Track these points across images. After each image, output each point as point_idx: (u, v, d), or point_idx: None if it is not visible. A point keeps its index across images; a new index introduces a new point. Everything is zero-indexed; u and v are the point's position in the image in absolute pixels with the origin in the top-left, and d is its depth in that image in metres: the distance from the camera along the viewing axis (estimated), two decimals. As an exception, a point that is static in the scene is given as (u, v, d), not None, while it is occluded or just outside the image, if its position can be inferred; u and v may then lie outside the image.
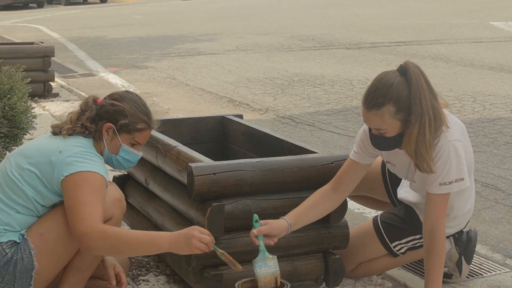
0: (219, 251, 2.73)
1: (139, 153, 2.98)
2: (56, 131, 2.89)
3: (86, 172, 2.72)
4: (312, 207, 3.06)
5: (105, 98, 2.99)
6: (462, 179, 2.94)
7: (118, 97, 2.97)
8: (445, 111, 2.99)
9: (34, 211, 2.82)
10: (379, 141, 2.97)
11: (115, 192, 2.95)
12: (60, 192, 2.77)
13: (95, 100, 2.97)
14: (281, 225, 2.95)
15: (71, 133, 2.86)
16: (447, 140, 2.92)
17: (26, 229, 2.81)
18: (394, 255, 3.36)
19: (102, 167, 2.80)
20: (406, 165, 3.14)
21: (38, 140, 2.93)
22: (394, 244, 3.33)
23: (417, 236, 3.30)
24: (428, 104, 2.87)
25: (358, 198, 3.71)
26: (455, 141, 2.93)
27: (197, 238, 2.64)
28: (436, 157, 2.91)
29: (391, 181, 3.50)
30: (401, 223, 3.32)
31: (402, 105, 2.86)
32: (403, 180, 3.41)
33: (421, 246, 3.31)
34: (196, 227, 2.71)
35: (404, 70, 2.90)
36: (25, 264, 2.74)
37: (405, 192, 3.37)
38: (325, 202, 3.09)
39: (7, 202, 2.80)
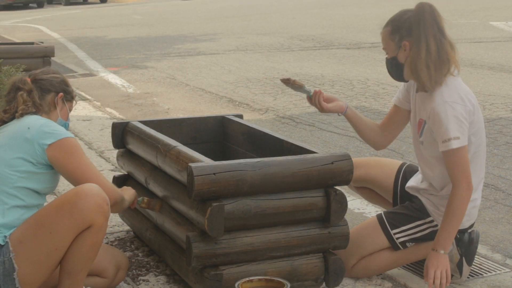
0: (139, 199, 3.33)
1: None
2: (7, 118, 3.01)
3: (66, 138, 2.92)
4: (366, 122, 3.53)
5: (35, 75, 3.16)
6: (458, 138, 3.10)
7: (49, 70, 3.22)
8: (458, 78, 3.24)
9: (22, 200, 2.87)
10: (387, 64, 3.32)
11: (95, 196, 2.79)
12: (46, 162, 2.89)
13: (26, 78, 3.12)
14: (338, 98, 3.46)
15: (25, 113, 3.00)
16: (443, 100, 3.13)
17: (11, 230, 2.81)
18: (395, 246, 3.37)
19: (68, 131, 2.99)
20: (416, 123, 3.35)
21: None
22: (395, 231, 3.35)
23: (419, 222, 3.34)
24: (430, 33, 3.12)
25: (363, 189, 3.77)
26: (453, 102, 3.12)
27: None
28: (434, 114, 3.15)
29: (402, 180, 3.58)
30: (404, 209, 3.39)
31: (397, 27, 3.19)
32: (413, 176, 3.53)
33: (422, 236, 3.34)
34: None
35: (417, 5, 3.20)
36: (7, 267, 2.74)
37: (414, 181, 3.48)
38: (373, 131, 3.52)
39: None
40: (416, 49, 3.15)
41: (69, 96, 3.19)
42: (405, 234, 3.36)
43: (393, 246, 3.38)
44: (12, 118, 3.01)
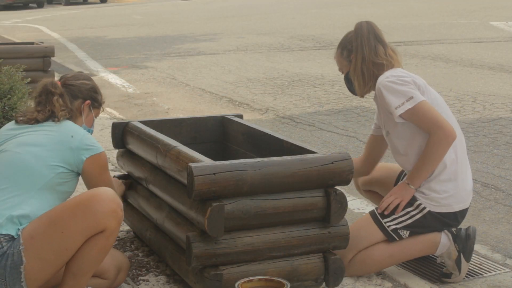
0: None
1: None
2: (40, 118, 3.06)
3: (101, 153, 3.06)
4: None
5: (66, 79, 3.23)
6: (411, 98, 3.34)
7: (80, 76, 3.28)
8: (398, 69, 3.50)
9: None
10: (344, 81, 3.69)
11: (111, 202, 2.83)
12: (78, 170, 3.03)
13: (57, 83, 3.18)
14: None
15: (65, 117, 3.09)
16: (377, 84, 3.45)
17: (26, 224, 2.83)
18: (388, 235, 3.41)
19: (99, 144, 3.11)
20: (382, 122, 3.57)
21: (32, 130, 3.04)
22: (386, 220, 3.41)
23: (409, 209, 3.40)
24: (365, 43, 3.50)
25: (369, 192, 3.90)
26: (383, 81, 3.41)
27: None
28: (378, 93, 3.44)
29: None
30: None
31: (344, 45, 3.60)
32: None
33: (413, 223, 3.39)
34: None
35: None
36: (15, 259, 2.76)
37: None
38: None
39: (23, 189, 2.89)
40: (355, 59, 3.53)
41: (96, 104, 3.27)
42: (396, 222, 3.40)
43: (387, 235, 3.41)
44: (46, 119, 3.07)
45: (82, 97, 3.21)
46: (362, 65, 3.50)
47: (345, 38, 3.63)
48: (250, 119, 6.88)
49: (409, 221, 3.39)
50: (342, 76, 3.70)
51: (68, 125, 3.07)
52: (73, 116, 3.16)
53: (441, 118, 3.33)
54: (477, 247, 3.92)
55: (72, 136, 3.01)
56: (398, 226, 3.39)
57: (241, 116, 4.03)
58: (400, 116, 3.35)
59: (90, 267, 2.86)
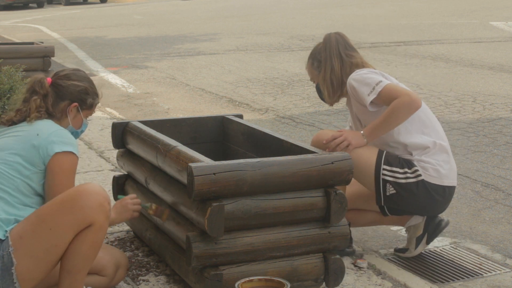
0: (147, 205, 3.26)
1: (88, 121, 3.26)
2: (17, 119, 3.01)
3: (73, 155, 2.93)
4: None
5: (58, 78, 3.14)
6: (379, 82, 3.48)
7: (73, 76, 3.16)
8: (371, 70, 3.62)
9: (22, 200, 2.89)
10: (316, 90, 3.82)
11: (97, 195, 2.79)
12: (45, 166, 2.91)
13: (45, 81, 3.09)
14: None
15: (38, 119, 3.00)
16: (348, 81, 3.60)
17: (12, 226, 2.81)
18: (377, 181, 3.48)
19: (76, 145, 2.99)
20: (360, 120, 3.68)
21: (6, 132, 3.00)
22: (385, 166, 3.48)
23: (407, 170, 3.46)
24: (334, 54, 3.68)
25: (351, 212, 3.76)
26: (352, 75, 3.58)
27: (130, 202, 3.18)
28: (350, 88, 3.58)
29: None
30: (400, 158, 3.52)
31: (314, 56, 3.77)
32: None
33: (403, 184, 3.46)
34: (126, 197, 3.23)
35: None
36: (5, 261, 2.74)
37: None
38: None
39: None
40: (323, 69, 3.69)
41: (85, 106, 3.15)
42: (391, 175, 3.48)
43: (376, 179, 3.49)
44: (23, 120, 3.01)
45: (69, 99, 3.10)
46: (331, 75, 3.66)
47: (315, 49, 3.80)
48: (250, 119, 6.88)
49: (403, 181, 3.47)
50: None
51: (40, 124, 2.98)
52: (56, 117, 3.08)
53: (405, 89, 3.46)
54: (477, 247, 3.92)
55: (37, 134, 2.92)
56: (390, 179, 3.46)
57: (241, 116, 4.03)
58: (373, 101, 3.46)
59: (84, 264, 2.83)
